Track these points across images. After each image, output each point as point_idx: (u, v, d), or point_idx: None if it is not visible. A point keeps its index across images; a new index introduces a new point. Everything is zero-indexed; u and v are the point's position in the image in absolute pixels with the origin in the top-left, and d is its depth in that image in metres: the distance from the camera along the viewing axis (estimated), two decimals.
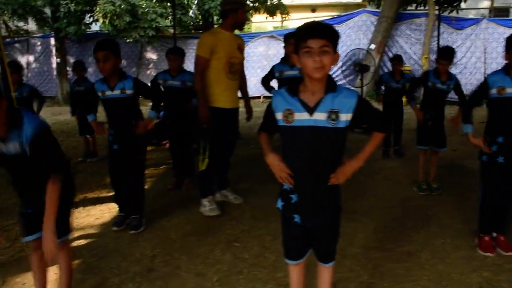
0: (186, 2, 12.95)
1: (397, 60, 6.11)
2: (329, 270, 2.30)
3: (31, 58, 15.06)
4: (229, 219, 3.95)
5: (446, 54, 4.32)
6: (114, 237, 3.62)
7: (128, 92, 3.53)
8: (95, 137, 6.60)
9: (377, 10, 13.53)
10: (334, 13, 20.20)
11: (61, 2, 11.71)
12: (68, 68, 13.95)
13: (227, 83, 4.00)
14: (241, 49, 4.14)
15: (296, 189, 2.07)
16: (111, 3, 10.45)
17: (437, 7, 12.18)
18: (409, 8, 13.63)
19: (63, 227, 2.43)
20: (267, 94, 13.21)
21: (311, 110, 1.93)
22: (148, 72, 14.47)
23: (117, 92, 3.52)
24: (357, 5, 24.57)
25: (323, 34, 1.84)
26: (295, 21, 17.30)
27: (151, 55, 14.48)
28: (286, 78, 5.08)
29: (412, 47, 12.64)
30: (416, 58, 12.55)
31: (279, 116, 2.02)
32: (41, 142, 2.15)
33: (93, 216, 4.09)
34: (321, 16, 16.22)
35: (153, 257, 3.24)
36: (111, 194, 4.69)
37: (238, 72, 4.11)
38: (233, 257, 3.23)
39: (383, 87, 6.46)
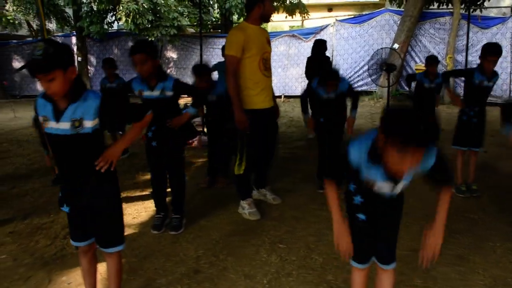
0: (207, 1, 12.92)
1: (433, 60, 5.98)
2: (390, 272, 2.23)
3: None
4: (270, 220, 3.87)
5: (496, 50, 4.19)
6: (155, 237, 3.56)
7: (168, 93, 3.46)
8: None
9: (399, 9, 13.35)
10: (351, 12, 20.04)
11: (84, 1, 11.75)
12: (89, 67, 14.04)
13: (264, 81, 3.79)
14: (269, 42, 3.93)
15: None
16: (134, 2, 10.44)
17: (462, 6, 11.96)
18: (431, 7, 13.42)
19: (119, 236, 2.38)
20: (287, 93, 13.33)
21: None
22: (169, 71, 14.47)
23: (156, 92, 3.44)
24: (375, 4, 24.37)
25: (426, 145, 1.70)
26: (313, 20, 17.24)
27: (172, 54, 14.48)
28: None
29: (436, 47, 12.43)
30: (440, 57, 12.30)
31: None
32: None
33: (130, 215, 4.04)
34: (338, 15, 16.05)
35: (197, 258, 3.18)
36: (145, 192, 4.68)
37: (270, 68, 3.91)
38: (279, 259, 3.15)
39: (413, 84, 6.33)
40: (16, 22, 13.13)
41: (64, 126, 2.08)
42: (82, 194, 2.21)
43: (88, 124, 2.09)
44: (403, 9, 12.80)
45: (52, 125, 2.10)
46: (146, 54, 3.29)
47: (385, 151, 1.72)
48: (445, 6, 12.93)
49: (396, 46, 11.99)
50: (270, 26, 25.15)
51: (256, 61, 3.70)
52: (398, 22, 12.49)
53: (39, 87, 15.24)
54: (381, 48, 10.42)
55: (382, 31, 12.98)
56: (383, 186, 1.92)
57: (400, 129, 1.62)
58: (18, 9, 12.17)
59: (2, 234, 3.70)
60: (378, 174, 1.86)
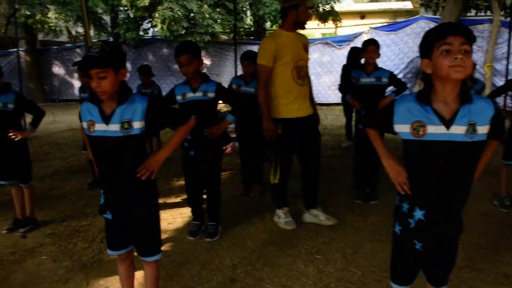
0: (240, 8, 13.01)
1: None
2: None
3: None
4: (306, 230, 3.81)
5: None
6: (190, 244, 3.56)
7: (210, 95, 3.48)
8: (161, 140, 6.64)
9: (435, 16, 13.07)
10: (384, 20, 19.78)
11: (121, 8, 12.02)
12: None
13: (298, 90, 3.67)
14: (306, 48, 3.76)
15: (423, 206, 1.90)
16: (169, 9, 10.62)
17: (502, 12, 11.61)
18: (468, 14, 13.10)
19: (157, 245, 2.39)
20: (320, 101, 13.21)
21: (447, 123, 1.77)
22: None
23: (199, 94, 3.46)
24: (408, 12, 24.03)
25: (464, 32, 1.69)
26: (346, 28, 17.10)
27: (205, 61, 14.60)
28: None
29: (474, 55, 12.04)
30: (478, 66, 11.97)
31: (403, 128, 1.85)
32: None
33: (165, 221, 4.06)
34: (371, 22, 15.86)
35: (233, 267, 3.15)
36: (180, 198, 4.70)
37: (307, 75, 3.78)
38: (316, 270, 3.09)
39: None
40: (57, 29, 13.55)
41: (114, 128, 2.10)
42: (123, 201, 2.21)
43: (137, 125, 2.11)
44: (439, 17, 12.54)
45: (101, 128, 2.12)
46: (191, 55, 3.33)
47: (431, 67, 1.75)
48: (483, 13, 12.59)
49: None
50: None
51: (288, 69, 3.60)
52: None
53: (76, 91, 15.69)
54: (417, 57, 10.26)
55: (417, 39, 12.67)
56: (435, 132, 1.78)
57: (433, 29, 1.77)
58: (60, 17, 12.57)
59: (43, 235, 3.79)
60: (429, 115, 1.79)
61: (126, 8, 11.56)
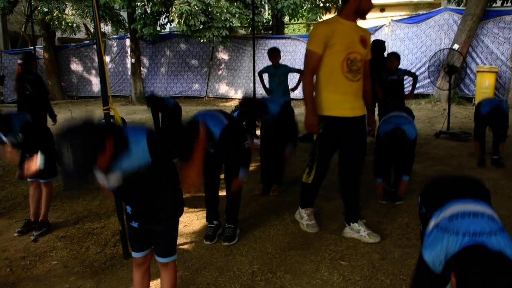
0: (258, 1, 12.77)
1: None
2: None
3: (107, 58, 15.52)
4: (329, 232, 3.59)
5: None
6: (207, 248, 3.37)
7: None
8: None
9: (460, 8, 12.62)
10: (404, 12, 19.27)
11: (138, 3, 11.91)
12: (142, 68, 14.26)
13: (347, 85, 3.21)
14: (365, 43, 3.27)
15: None
16: (186, 3, 10.44)
17: None
18: (494, 4, 12.60)
19: (175, 245, 2.33)
20: None
21: None
22: (220, 72, 14.45)
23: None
24: (429, 4, 23.40)
25: None
26: (366, 21, 16.68)
27: (223, 55, 14.44)
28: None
29: (500, 47, 11.62)
30: (504, 58, 11.53)
31: None
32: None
33: (181, 223, 3.88)
34: (391, 15, 15.41)
35: (252, 274, 2.96)
36: (196, 200, 4.52)
37: (360, 71, 3.27)
38: (342, 278, 2.87)
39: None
40: (75, 25, 13.53)
41: None
42: (150, 210, 2.18)
43: None
44: (463, 8, 12.10)
45: None
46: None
47: None
48: (509, 4, 12.09)
49: (456, 46, 11.33)
50: None
51: (339, 59, 3.16)
52: (458, 22, 11.80)
53: (94, 88, 15.72)
54: (439, 50, 9.87)
55: (440, 31, 12.31)
56: None
57: None
58: (77, 13, 12.54)
59: (54, 238, 3.65)
60: None
61: (143, 3, 11.43)
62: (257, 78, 6.95)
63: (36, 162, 3.26)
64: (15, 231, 3.77)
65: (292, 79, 6.82)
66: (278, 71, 6.30)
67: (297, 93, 7.27)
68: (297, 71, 6.68)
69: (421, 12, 15.59)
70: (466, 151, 6.48)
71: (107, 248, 3.42)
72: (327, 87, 3.25)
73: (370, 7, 3.19)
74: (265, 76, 6.72)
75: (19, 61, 5.38)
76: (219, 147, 3.25)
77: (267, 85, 6.70)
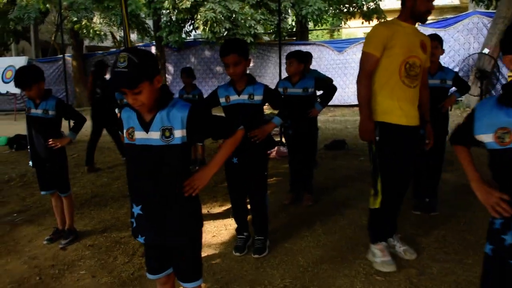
0: (283, 7, 12.71)
1: None
2: None
3: None
4: (362, 245, 3.45)
5: None
6: (236, 260, 3.27)
7: (256, 98, 3.19)
8: (205, 144, 6.45)
9: (490, 11, 12.29)
10: (430, 17, 18.93)
11: (164, 11, 12.01)
12: (167, 75, 14.37)
13: (403, 91, 2.99)
14: (425, 48, 3.05)
15: None
16: (212, 10, 10.47)
17: None
18: None
19: (199, 269, 2.13)
20: None
21: None
22: None
23: (244, 97, 3.17)
24: (454, 8, 22.95)
25: None
26: None
27: None
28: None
29: None
30: None
31: (486, 138, 1.66)
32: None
33: (210, 233, 3.81)
34: None
35: None
36: (224, 207, 4.46)
37: (418, 78, 3.06)
38: None
39: None
40: (102, 33, 13.76)
41: (154, 136, 1.87)
42: (160, 220, 1.96)
43: (178, 134, 1.87)
44: (494, 11, 11.78)
45: (141, 136, 1.90)
46: (238, 54, 3.00)
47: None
48: None
49: (486, 50, 11.02)
50: (344, 34, 24.57)
51: (397, 63, 2.95)
52: (488, 25, 11.49)
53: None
54: (469, 55, 9.61)
55: (469, 35, 12.03)
56: None
57: None
58: (104, 21, 12.75)
59: (83, 247, 3.62)
60: None
61: (168, 10, 11.52)
62: None
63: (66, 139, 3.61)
64: (44, 238, 3.76)
65: None
66: (297, 86, 6.18)
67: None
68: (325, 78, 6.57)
69: (448, 16, 15.31)
70: None
71: (135, 258, 3.37)
72: (381, 92, 3.03)
73: (428, 8, 2.97)
74: None
75: (92, 69, 6.22)
76: (244, 156, 3.19)
77: None
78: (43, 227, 4.10)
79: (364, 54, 3.03)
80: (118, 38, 16.47)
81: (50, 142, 3.46)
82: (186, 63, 14.78)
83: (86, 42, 17.14)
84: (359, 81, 3.04)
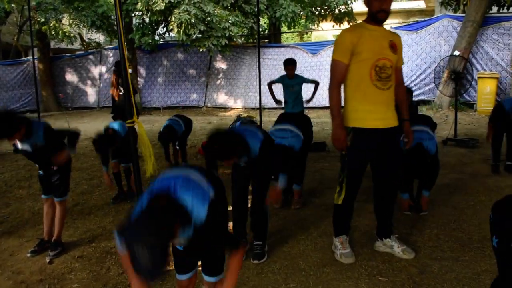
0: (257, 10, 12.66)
1: None
2: None
3: (103, 69, 15.32)
4: (361, 247, 3.43)
5: None
6: None
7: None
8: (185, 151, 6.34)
9: (459, 14, 12.65)
10: (396, 20, 19.32)
11: (136, 13, 11.75)
12: (139, 79, 14.07)
13: (376, 95, 3.01)
14: (395, 48, 3.05)
15: None
16: (186, 12, 10.30)
17: None
18: (491, 11, 12.65)
19: (223, 263, 2.16)
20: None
21: None
22: (218, 82, 14.30)
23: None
24: (421, 11, 23.54)
25: None
26: None
27: (221, 65, 14.30)
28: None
29: (499, 53, 11.65)
30: (504, 64, 11.57)
31: None
32: None
33: None
34: (387, 23, 15.40)
35: None
36: None
37: (391, 79, 3.05)
38: None
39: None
40: (72, 35, 13.33)
41: None
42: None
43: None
44: (463, 14, 12.13)
45: None
46: (227, 159, 2.93)
47: None
48: (506, 10, 12.14)
49: (456, 53, 11.33)
50: (313, 36, 24.77)
51: (366, 68, 2.96)
52: (458, 28, 11.82)
53: (90, 99, 15.47)
54: (442, 59, 9.84)
55: (440, 37, 12.32)
56: None
57: None
58: (74, 22, 12.34)
59: (71, 258, 3.45)
60: None
61: (141, 12, 11.27)
62: (265, 87, 6.85)
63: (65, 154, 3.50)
64: (28, 251, 3.56)
65: (307, 91, 6.71)
66: (293, 81, 6.21)
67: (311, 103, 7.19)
68: (312, 81, 6.59)
69: (417, 19, 15.64)
70: (477, 158, 6.40)
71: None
72: (354, 97, 3.05)
73: (380, 8, 2.94)
74: (275, 87, 6.60)
75: (114, 68, 6.98)
76: (258, 161, 3.10)
77: (277, 95, 6.61)
78: (25, 238, 3.89)
79: (333, 62, 3.05)
80: (86, 40, 16.01)
81: (53, 168, 3.47)
82: (158, 66, 14.53)
83: (51, 44, 16.55)
84: (330, 89, 3.06)
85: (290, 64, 6.20)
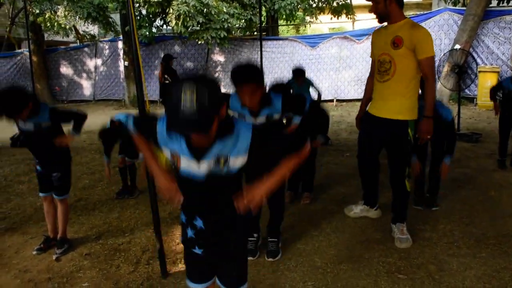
0: (256, 2, 12.50)
1: None
2: None
3: (99, 61, 15.09)
4: (375, 242, 3.37)
5: None
6: (251, 264, 3.02)
7: (275, 117, 3.02)
8: None
9: (460, 8, 12.57)
10: None
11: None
12: None
13: (376, 86, 3.47)
14: (398, 43, 3.16)
15: None
16: (185, 4, 10.12)
17: None
18: (491, 4, 12.59)
19: (246, 273, 1.99)
20: (340, 97, 12.75)
21: None
22: (216, 75, 14.13)
23: (261, 119, 2.97)
24: (418, 5, 23.47)
25: None
26: (361, 22, 16.57)
27: (219, 57, 14.13)
28: None
29: (500, 47, 11.61)
30: (505, 58, 11.54)
31: None
32: None
33: None
34: None
35: None
36: None
37: (389, 73, 3.26)
38: None
39: (500, 94, 5.69)
40: (68, 27, 13.07)
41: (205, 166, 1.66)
42: (217, 234, 1.80)
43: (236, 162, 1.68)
44: (463, 8, 12.06)
45: (188, 165, 1.67)
46: (256, 84, 2.74)
47: None
48: (505, 4, 12.08)
49: (457, 46, 11.26)
50: (310, 30, 24.62)
51: (374, 62, 3.49)
52: (458, 22, 11.75)
53: (85, 92, 15.25)
54: (443, 55, 9.78)
55: (440, 31, 12.25)
56: None
57: None
58: (70, 14, 12.08)
59: (79, 256, 3.34)
60: None
61: (138, 4, 11.06)
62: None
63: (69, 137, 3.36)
64: (34, 248, 3.44)
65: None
66: (301, 89, 6.34)
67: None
68: (316, 90, 7.02)
69: (412, 13, 15.56)
70: (482, 152, 6.35)
71: (140, 266, 3.12)
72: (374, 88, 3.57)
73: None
74: None
75: (162, 62, 9.01)
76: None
77: None
78: (29, 235, 3.77)
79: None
80: (81, 32, 15.74)
81: (56, 144, 3.26)
82: (155, 59, 14.32)
83: (45, 36, 16.26)
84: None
85: (300, 75, 6.37)
